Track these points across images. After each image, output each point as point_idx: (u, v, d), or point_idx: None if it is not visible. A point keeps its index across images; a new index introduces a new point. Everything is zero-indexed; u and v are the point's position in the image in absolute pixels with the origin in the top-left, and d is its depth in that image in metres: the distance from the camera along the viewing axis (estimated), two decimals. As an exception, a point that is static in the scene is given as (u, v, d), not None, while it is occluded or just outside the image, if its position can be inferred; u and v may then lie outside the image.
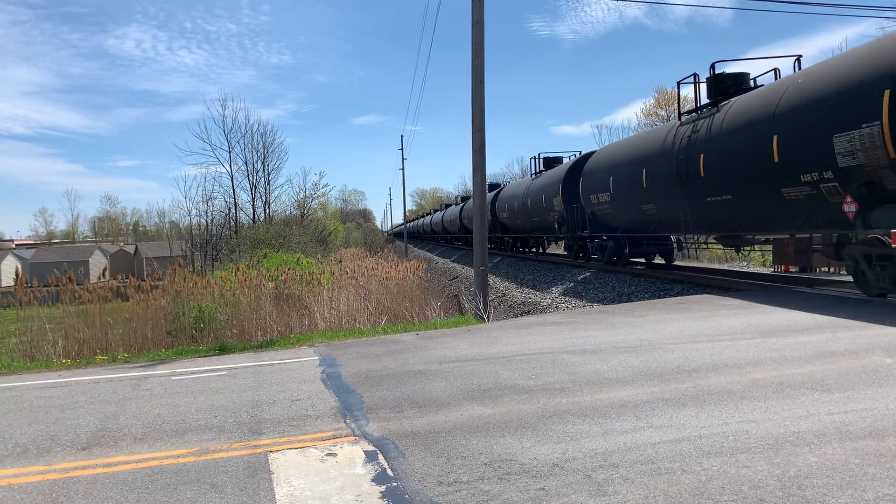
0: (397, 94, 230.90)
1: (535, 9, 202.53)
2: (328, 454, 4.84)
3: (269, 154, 50.11)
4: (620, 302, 16.69)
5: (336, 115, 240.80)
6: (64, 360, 11.31)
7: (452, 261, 47.48)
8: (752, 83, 15.99)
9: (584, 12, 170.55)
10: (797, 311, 10.10)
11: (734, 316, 10.07)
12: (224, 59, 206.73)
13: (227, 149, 48.78)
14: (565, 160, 29.59)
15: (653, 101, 61.74)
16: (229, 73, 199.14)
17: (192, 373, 8.58)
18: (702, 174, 15.09)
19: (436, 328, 12.13)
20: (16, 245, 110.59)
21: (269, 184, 50.09)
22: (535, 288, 24.39)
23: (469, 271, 34.89)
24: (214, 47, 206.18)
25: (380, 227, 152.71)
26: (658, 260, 22.95)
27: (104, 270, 16.43)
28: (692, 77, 16.86)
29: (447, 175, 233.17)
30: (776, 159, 12.49)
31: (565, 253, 29.05)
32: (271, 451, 4.95)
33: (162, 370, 9.00)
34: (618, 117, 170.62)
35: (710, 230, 16.67)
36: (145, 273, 16.69)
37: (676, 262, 23.56)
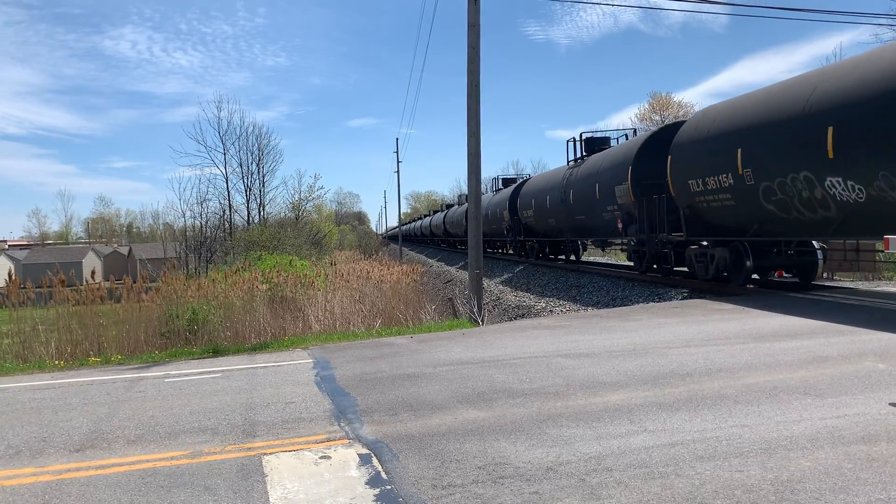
0: (392, 96, 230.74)
1: (531, 13, 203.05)
2: (322, 457, 4.83)
3: (264, 156, 50.09)
4: (615, 305, 16.72)
5: (331, 118, 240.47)
6: (57, 362, 11.27)
7: (447, 264, 47.49)
8: (609, 144, 24.45)
9: (579, 17, 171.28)
10: (790, 316, 10.14)
11: (728, 321, 10.10)
12: (219, 61, 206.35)
13: (221, 150, 48.74)
14: (519, 180, 36.58)
15: (647, 105, 61.99)
16: (225, 74, 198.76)
17: (186, 375, 8.56)
18: (571, 201, 24.13)
19: (430, 331, 12.14)
20: (9, 246, 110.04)
21: (263, 186, 50.08)
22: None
23: (463, 274, 35.00)
24: (210, 49, 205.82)
25: (375, 229, 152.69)
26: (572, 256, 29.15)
27: (93, 272, 16.29)
28: (575, 136, 25.26)
29: (442, 178, 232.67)
30: (598, 196, 21.29)
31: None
32: (265, 454, 4.94)
33: (155, 372, 8.98)
34: (612, 122, 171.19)
35: (581, 236, 25.53)
36: (139, 275, 16.62)
37: (625, 262, 28.75)
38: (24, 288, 15.33)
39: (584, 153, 28.79)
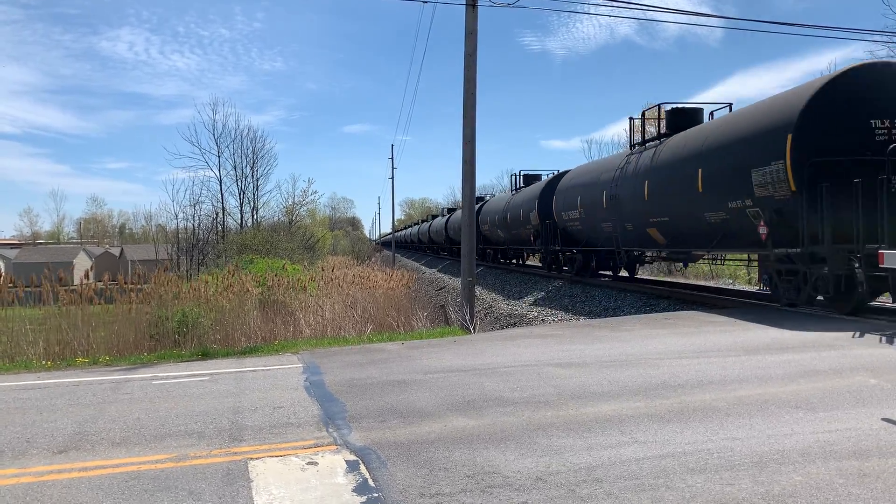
0: (388, 103, 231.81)
1: (527, 24, 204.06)
2: (309, 463, 4.77)
3: (259, 160, 50.01)
4: (607, 316, 16.71)
5: (326, 123, 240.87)
6: (44, 362, 11.17)
7: (439, 271, 47.46)
8: (702, 118, 17.89)
9: (575, 28, 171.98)
10: (783, 329, 10.13)
11: (720, 333, 10.08)
12: (216, 65, 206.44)
13: (216, 153, 48.50)
14: (544, 177, 30.88)
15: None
16: (221, 78, 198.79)
17: (174, 377, 8.48)
18: (646, 198, 17.46)
19: (421, 338, 12.08)
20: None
21: (257, 189, 49.94)
22: (514, 297, 25.95)
23: (456, 281, 34.96)
24: (207, 52, 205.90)
25: (368, 235, 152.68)
26: (623, 273, 24.23)
27: (86, 272, 16.14)
28: (640, 114, 19.91)
29: (436, 185, 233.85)
30: (700, 189, 14.78)
31: (540, 264, 31.05)
32: (251, 459, 4.88)
33: (143, 374, 8.90)
34: (607, 133, 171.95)
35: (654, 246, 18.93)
36: (129, 275, 16.52)
37: (669, 279, 26.00)
38: (15, 286, 15.22)
39: (523, 185, 32.08)
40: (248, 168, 49.39)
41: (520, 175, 33.93)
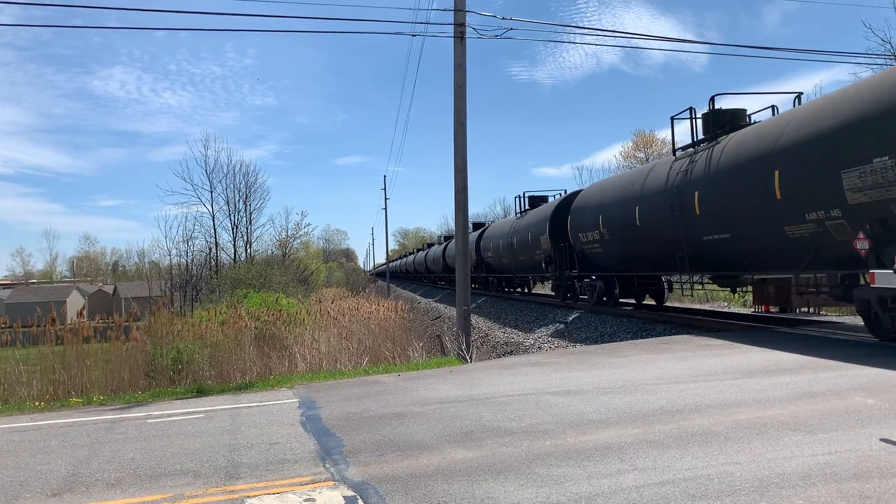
0: (380, 135, 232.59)
1: (515, 55, 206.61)
2: (307, 500, 4.72)
3: (251, 194, 50.13)
4: (603, 342, 16.68)
5: (319, 156, 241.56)
6: (37, 403, 11.05)
7: (435, 300, 47.38)
8: (748, 119, 15.68)
9: (562, 58, 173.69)
10: (779, 352, 10.12)
11: (717, 356, 10.06)
12: (208, 101, 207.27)
13: (208, 188, 48.60)
14: (550, 199, 29.48)
15: (631, 143, 62.75)
16: (213, 114, 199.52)
17: (169, 415, 8.41)
18: (697, 212, 14.91)
19: (418, 369, 12.02)
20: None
21: (250, 223, 50.00)
22: (520, 329, 23.91)
23: (452, 311, 34.83)
24: (199, 89, 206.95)
25: (362, 266, 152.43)
26: (648, 300, 22.22)
27: (81, 311, 16.00)
28: (688, 111, 16.57)
29: (430, 215, 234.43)
30: (778, 196, 12.15)
31: (552, 293, 28.27)
32: (248, 497, 4.83)
33: (137, 413, 8.82)
34: (597, 159, 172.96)
35: (705, 269, 16.22)
36: (123, 313, 16.45)
37: (697, 306, 23.13)
38: (11, 328, 15.13)
39: (528, 207, 29.96)
40: (241, 202, 49.53)
41: (524, 196, 31.54)
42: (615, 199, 19.41)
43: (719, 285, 17.50)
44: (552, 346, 18.75)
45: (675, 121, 17.34)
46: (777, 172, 12.18)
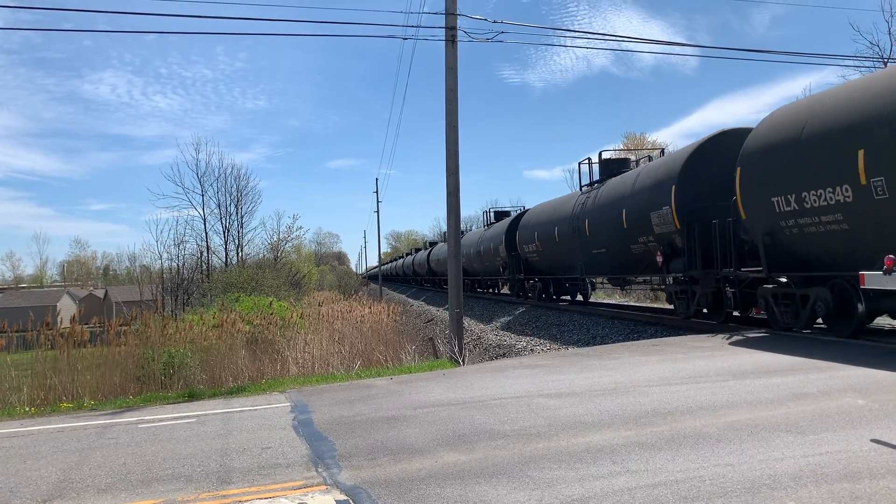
0: (372, 138, 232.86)
1: (506, 58, 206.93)
2: (299, 504, 4.71)
3: (243, 197, 49.81)
4: (595, 344, 16.71)
5: (311, 159, 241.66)
6: (28, 409, 10.99)
7: (427, 303, 47.35)
8: (630, 166, 21.50)
9: (553, 61, 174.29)
10: (769, 353, 10.16)
11: (708, 358, 10.10)
12: (199, 104, 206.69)
13: (199, 192, 48.30)
14: (513, 213, 34.77)
15: (622, 146, 62.89)
16: (204, 117, 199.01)
17: (160, 420, 8.37)
18: (587, 233, 21.19)
19: (410, 372, 12.01)
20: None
21: (242, 227, 49.69)
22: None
23: (441, 312, 35.01)
24: (189, 93, 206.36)
25: (354, 269, 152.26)
26: (579, 298, 27.72)
27: (73, 316, 15.92)
28: (587, 159, 23.45)
29: (422, 218, 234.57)
30: (625, 225, 18.33)
31: (509, 292, 35.08)
32: (240, 501, 4.81)
33: (129, 418, 8.78)
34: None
35: (596, 273, 22.51)
36: (114, 317, 16.37)
37: (624, 302, 28.88)
38: (5, 332, 15.02)
39: (493, 220, 35.82)
40: (233, 206, 49.23)
41: (491, 212, 39.76)
42: (545, 221, 25.39)
43: (612, 285, 23.84)
44: (544, 348, 18.77)
45: (580, 165, 23.84)
46: (624, 210, 18.39)
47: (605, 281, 23.50)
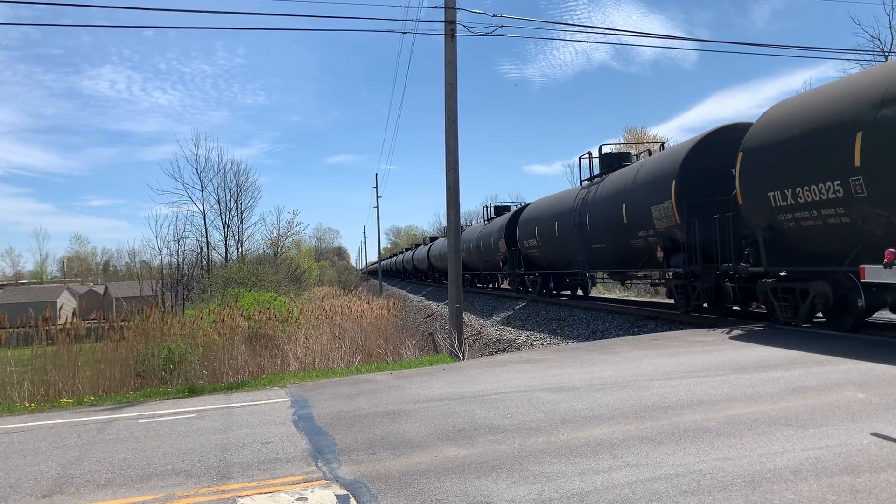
0: (372, 133, 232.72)
1: (505, 52, 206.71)
2: (299, 499, 4.71)
3: (243, 193, 49.77)
4: (595, 338, 16.70)
5: (310, 155, 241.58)
6: (28, 404, 10.99)
7: (427, 298, 47.36)
8: (632, 160, 20.89)
9: (552, 56, 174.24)
10: (770, 347, 10.16)
11: (708, 352, 10.09)
12: (198, 100, 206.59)
13: (199, 188, 48.30)
14: (513, 208, 34.51)
15: (622, 140, 62.76)
16: (203, 113, 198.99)
17: (160, 415, 8.37)
18: (588, 228, 20.93)
19: (410, 367, 12.01)
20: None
21: (241, 222, 49.67)
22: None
23: (441, 307, 35.05)
24: (189, 88, 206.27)
25: (355, 265, 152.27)
26: (579, 292, 27.41)
27: (74, 311, 15.93)
28: (587, 154, 22.76)
29: (422, 213, 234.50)
30: (625, 221, 18.23)
31: (509, 287, 34.91)
32: (240, 496, 4.81)
33: (129, 413, 8.78)
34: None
35: (597, 268, 22.35)
36: (114, 313, 16.35)
37: (624, 297, 28.96)
38: (5, 328, 15.00)
39: (493, 215, 34.90)
40: (233, 201, 49.21)
41: (491, 207, 38.98)
42: (545, 216, 25.34)
43: (613, 280, 23.64)
44: (544, 343, 18.77)
45: (581, 159, 23.26)
46: (624, 205, 18.27)
47: (605, 276, 23.50)
